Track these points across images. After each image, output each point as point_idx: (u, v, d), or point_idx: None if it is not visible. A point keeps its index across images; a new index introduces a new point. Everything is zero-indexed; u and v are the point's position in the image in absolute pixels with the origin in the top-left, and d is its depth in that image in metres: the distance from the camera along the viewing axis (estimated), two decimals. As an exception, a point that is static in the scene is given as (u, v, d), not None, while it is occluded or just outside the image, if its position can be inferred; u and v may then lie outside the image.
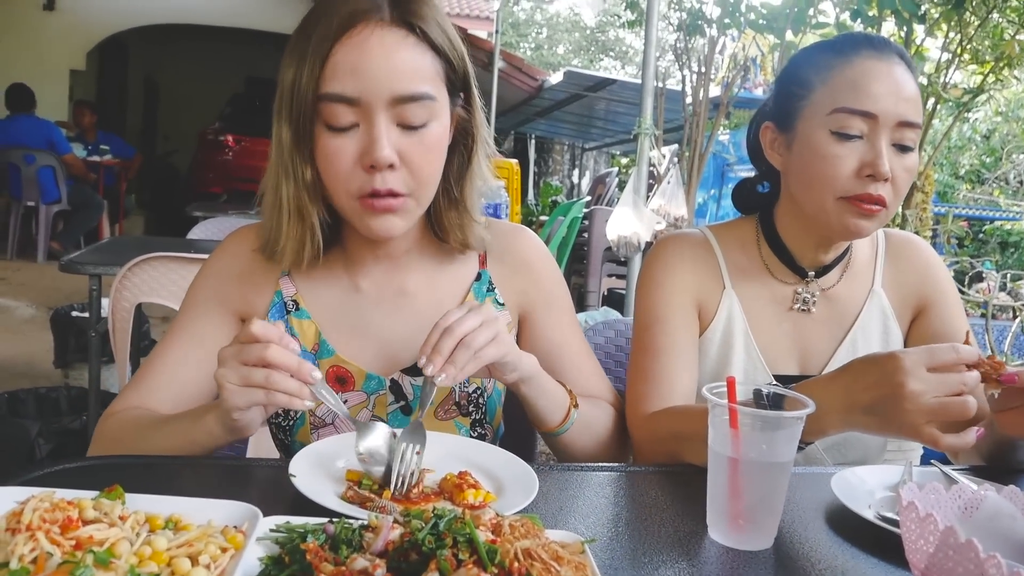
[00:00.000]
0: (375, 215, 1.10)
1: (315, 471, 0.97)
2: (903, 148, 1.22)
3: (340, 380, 1.22)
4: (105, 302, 2.54)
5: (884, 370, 0.98)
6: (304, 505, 0.85)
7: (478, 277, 1.31)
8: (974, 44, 4.21)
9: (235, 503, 0.82)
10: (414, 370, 1.21)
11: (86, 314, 3.47)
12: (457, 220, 1.22)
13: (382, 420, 1.18)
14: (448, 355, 1.01)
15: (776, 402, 0.94)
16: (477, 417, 1.27)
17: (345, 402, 1.20)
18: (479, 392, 1.27)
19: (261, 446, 1.92)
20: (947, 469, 1.10)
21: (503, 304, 1.31)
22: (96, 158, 8.24)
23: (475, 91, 1.18)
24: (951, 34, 4.15)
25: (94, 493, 0.79)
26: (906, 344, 1.38)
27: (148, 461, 1.02)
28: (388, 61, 1.04)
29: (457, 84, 1.14)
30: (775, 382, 1.13)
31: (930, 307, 1.38)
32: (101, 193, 8.10)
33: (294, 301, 1.24)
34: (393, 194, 1.08)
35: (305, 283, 1.24)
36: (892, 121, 1.20)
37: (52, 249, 7.42)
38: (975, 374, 0.97)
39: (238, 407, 0.95)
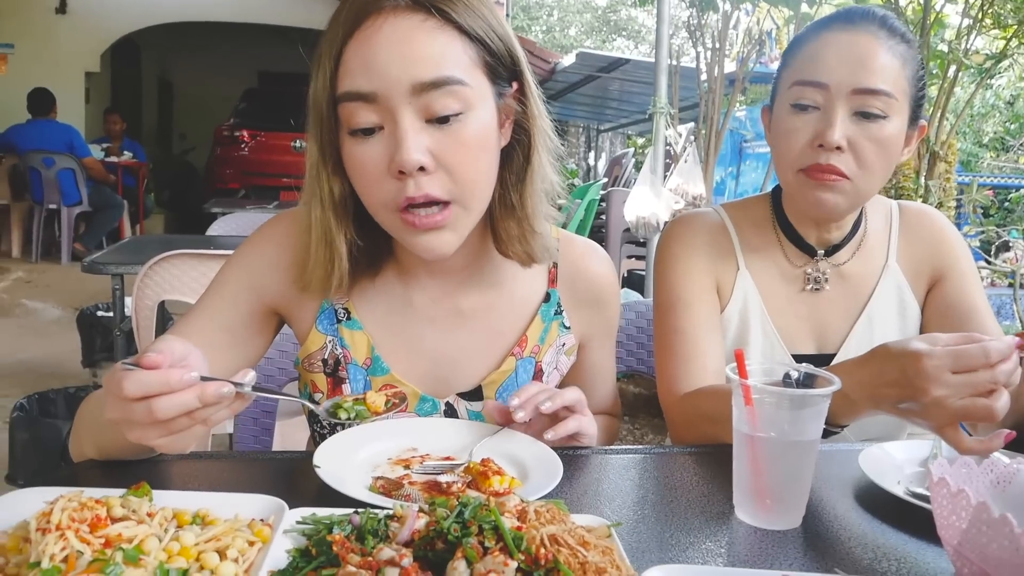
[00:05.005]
0: (420, 233, 0.99)
1: (340, 462, 0.97)
2: (867, 116, 1.19)
3: None
4: (129, 301, 2.57)
5: (905, 372, 0.91)
6: (329, 496, 0.85)
7: (547, 298, 1.21)
8: (995, 8, 4.12)
9: (261, 496, 0.82)
10: (471, 395, 1.17)
11: (111, 313, 3.50)
12: (517, 230, 1.08)
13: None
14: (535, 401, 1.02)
15: (807, 383, 0.92)
16: None
17: None
18: None
19: (287, 439, 1.93)
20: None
21: (568, 328, 1.23)
22: (114, 159, 8.32)
23: (528, 78, 1.06)
24: (971, -1, 4.06)
25: (122, 491, 0.79)
26: (923, 316, 1.37)
27: (174, 457, 1.02)
28: (403, 47, 0.94)
29: (502, 71, 1.02)
30: (794, 362, 1.11)
31: (945, 277, 1.36)
32: (120, 193, 8.18)
33: (345, 310, 1.15)
34: (432, 201, 0.97)
35: (357, 292, 1.15)
36: (846, 89, 1.19)
37: (75, 250, 7.52)
38: (1009, 366, 0.89)
39: (183, 451, 0.84)
